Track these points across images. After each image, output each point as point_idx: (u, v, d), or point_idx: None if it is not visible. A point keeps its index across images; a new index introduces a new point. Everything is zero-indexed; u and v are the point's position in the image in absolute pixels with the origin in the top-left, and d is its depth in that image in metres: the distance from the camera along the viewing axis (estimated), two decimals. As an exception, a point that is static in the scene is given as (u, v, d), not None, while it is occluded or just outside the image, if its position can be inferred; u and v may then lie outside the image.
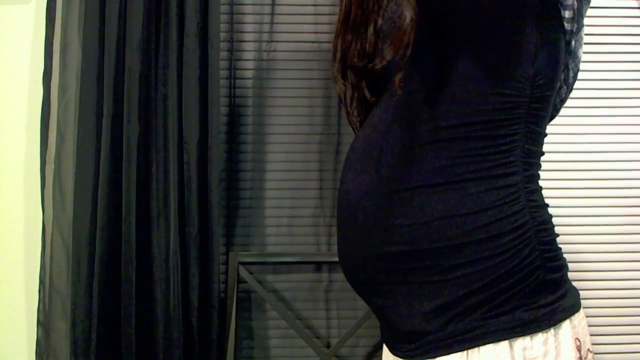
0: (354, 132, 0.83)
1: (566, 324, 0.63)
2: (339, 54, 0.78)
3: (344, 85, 0.79)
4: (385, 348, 0.76)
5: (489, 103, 0.64)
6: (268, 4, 1.57)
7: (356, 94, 0.80)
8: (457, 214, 0.63)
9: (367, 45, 0.75)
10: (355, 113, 0.81)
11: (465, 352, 0.61)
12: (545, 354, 0.61)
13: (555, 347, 0.61)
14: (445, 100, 0.65)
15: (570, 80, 0.74)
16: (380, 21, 0.71)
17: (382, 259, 0.67)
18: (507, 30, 0.64)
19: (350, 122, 0.84)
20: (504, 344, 0.60)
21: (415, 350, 0.65)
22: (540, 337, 0.61)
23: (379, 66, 0.65)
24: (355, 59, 0.77)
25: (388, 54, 0.64)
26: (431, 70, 0.66)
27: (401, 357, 0.67)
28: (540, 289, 0.63)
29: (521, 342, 0.60)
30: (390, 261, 0.66)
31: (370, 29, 0.72)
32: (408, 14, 0.61)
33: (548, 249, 0.65)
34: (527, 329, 0.61)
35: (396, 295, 0.67)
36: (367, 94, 0.78)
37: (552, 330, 0.62)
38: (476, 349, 0.61)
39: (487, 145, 0.64)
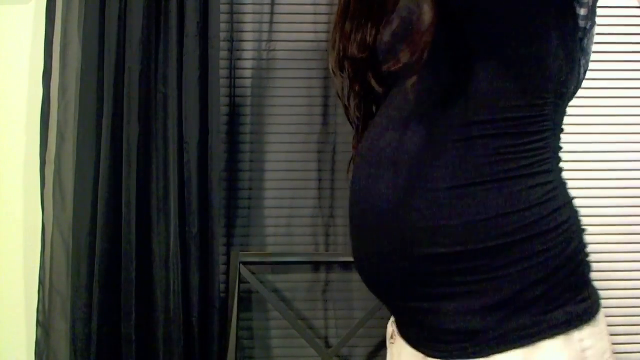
0: (353, 127, 0.82)
1: (602, 317, 0.64)
2: (337, 47, 0.77)
3: (342, 78, 0.79)
4: (399, 351, 0.75)
5: (519, 99, 0.65)
6: (267, 4, 1.57)
7: (356, 88, 0.79)
8: (509, 212, 0.62)
9: (368, 37, 0.74)
10: (355, 107, 0.80)
11: (523, 349, 0.61)
12: (594, 346, 0.62)
13: (601, 339, 0.63)
14: (474, 97, 0.64)
15: (581, 77, 0.74)
16: (397, 22, 0.70)
17: (425, 261, 0.65)
18: (532, 29, 0.64)
19: (349, 118, 0.83)
20: (561, 338, 0.60)
21: (467, 350, 0.63)
22: (588, 329, 0.62)
23: (393, 69, 0.64)
24: (355, 50, 0.76)
25: (404, 57, 0.63)
26: (456, 67, 0.66)
27: (445, 359, 0.65)
28: (584, 283, 0.64)
29: (576, 335, 0.61)
30: (435, 263, 0.64)
31: (388, 31, 0.70)
32: (428, 16, 0.60)
33: (586, 244, 0.66)
34: (579, 321, 0.62)
35: (442, 296, 0.65)
36: (375, 86, 0.76)
37: (594, 322, 0.63)
38: (534, 345, 0.60)
39: (523, 142, 0.64)
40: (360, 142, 0.85)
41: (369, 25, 0.76)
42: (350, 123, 0.84)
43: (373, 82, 0.76)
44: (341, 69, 0.79)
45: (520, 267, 0.62)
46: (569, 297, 0.63)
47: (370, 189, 0.70)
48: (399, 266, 0.67)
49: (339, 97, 0.86)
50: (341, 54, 0.78)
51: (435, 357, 0.66)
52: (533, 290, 0.62)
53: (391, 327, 0.83)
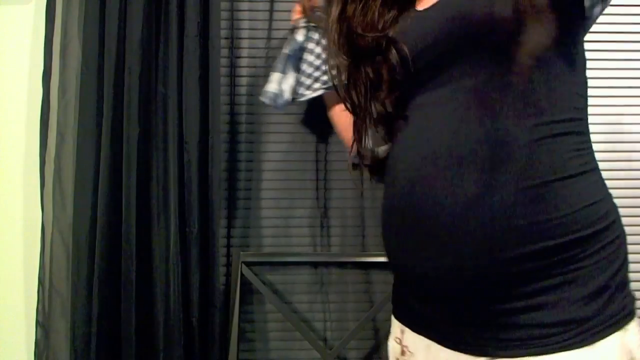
0: (354, 112, 0.83)
1: None
2: (340, 29, 0.78)
3: (342, 60, 0.80)
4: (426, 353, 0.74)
5: (577, 101, 0.71)
6: (267, 1, 1.57)
7: (368, 72, 0.78)
8: (592, 203, 0.67)
9: (377, 16, 0.75)
10: (361, 92, 0.81)
11: (618, 332, 0.64)
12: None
13: None
14: (552, 96, 0.68)
15: None
16: None
17: (529, 258, 0.65)
18: (578, 32, 0.71)
19: (349, 102, 0.83)
20: (636, 318, 0.67)
21: (569, 340, 0.64)
22: None
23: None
24: (360, 29, 0.76)
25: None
26: (543, 65, 0.69)
27: (538, 354, 0.65)
28: None
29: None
30: (539, 257, 0.65)
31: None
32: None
33: None
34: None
35: (542, 290, 0.66)
36: (400, 71, 0.75)
37: None
38: (624, 328, 0.65)
39: (585, 139, 0.71)
40: (365, 133, 0.85)
41: (378, 9, 0.76)
42: (350, 108, 0.84)
43: (393, 59, 0.74)
44: (346, 51, 0.79)
45: (606, 254, 0.67)
46: (629, 283, 0.69)
47: (446, 190, 0.67)
48: (499, 267, 0.66)
49: (333, 83, 0.86)
50: (347, 36, 0.78)
51: (518, 357, 0.66)
52: (617, 276, 0.67)
53: (398, 345, 0.80)
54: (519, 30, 0.64)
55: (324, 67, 1.05)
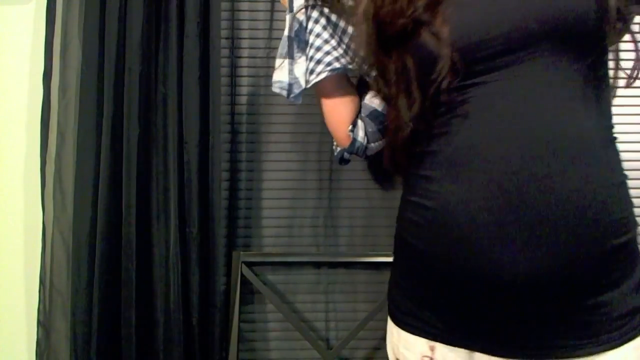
0: (386, 99, 0.84)
1: None
2: (370, 17, 0.78)
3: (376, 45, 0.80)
4: None
5: (612, 109, 0.76)
6: (268, 1, 1.57)
7: (405, 60, 0.76)
8: (631, 204, 0.75)
9: (406, 2, 0.74)
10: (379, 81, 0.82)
11: None
12: None
13: None
14: (608, 101, 0.75)
15: None
16: None
17: (615, 251, 0.70)
18: None
19: (381, 85, 0.83)
20: None
21: (635, 329, 0.70)
22: None
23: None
24: (388, 17, 0.75)
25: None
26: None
27: (614, 347, 0.69)
28: None
29: None
30: (618, 252, 0.70)
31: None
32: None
33: None
34: None
35: (613, 283, 0.71)
36: (435, 49, 0.71)
37: None
38: None
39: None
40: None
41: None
42: (382, 97, 0.86)
43: (443, 49, 0.71)
44: (375, 39, 0.78)
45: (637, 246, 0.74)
46: None
47: (557, 185, 0.68)
48: (591, 261, 0.69)
49: (361, 71, 0.86)
50: (376, 23, 0.78)
51: (591, 354, 0.69)
52: None
53: None
54: (602, 28, 0.68)
55: (325, 48, 0.95)
